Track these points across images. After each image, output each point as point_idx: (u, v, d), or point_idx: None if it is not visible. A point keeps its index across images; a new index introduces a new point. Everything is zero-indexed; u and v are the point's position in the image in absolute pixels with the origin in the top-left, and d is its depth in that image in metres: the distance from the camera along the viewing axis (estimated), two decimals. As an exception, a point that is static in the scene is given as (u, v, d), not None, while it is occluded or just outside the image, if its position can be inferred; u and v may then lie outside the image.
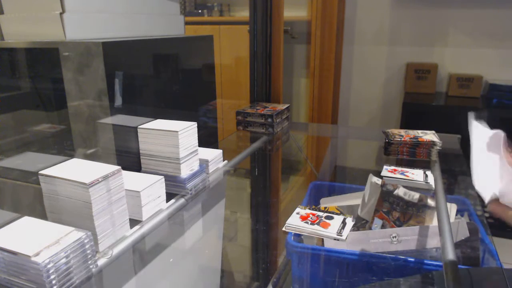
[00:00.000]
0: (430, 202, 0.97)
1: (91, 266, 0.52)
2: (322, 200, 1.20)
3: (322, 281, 0.90)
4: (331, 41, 2.18)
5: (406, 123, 2.19)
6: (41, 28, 0.80)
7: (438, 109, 2.17)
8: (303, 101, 2.61)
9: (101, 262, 0.55)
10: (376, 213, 0.99)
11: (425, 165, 1.06)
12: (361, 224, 1.03)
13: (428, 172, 1.01)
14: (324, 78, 2.25)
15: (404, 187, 0.98)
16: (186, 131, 0.75)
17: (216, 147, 0.92)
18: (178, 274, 0.82)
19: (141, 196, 0.65)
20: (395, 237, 0.88)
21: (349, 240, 0.88)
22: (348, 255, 0.86)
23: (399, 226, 0.96)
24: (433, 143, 1.09)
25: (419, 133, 1.17)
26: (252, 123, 1.33)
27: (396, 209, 0.99)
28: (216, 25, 2.40)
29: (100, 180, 0.55)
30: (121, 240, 0.61)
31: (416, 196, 0.98)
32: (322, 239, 0.93)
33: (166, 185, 0.73)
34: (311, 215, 0.80)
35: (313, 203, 1.20)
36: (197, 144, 0.79)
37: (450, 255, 0.65)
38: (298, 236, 0.95)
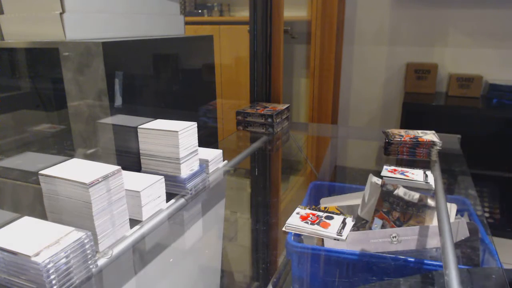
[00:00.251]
0: (430, 202, 0.97)
1: (91, 266, 0.52)
2: (322, 200, 1.20)
3: (322, 281, 0.90)
4: (331, 41, 2.18)
5: (406, 123, 2.19)
6: (41, 28, 0.80)
7: (438, 109, 2.17)
8: (303, 101, 2.61)
9: (101, 262, 0.55)
10: (376, 213, 0.99)
11: (425, 165, 1.06)
12: (361, 224, 1.03)
13: (428, 172, 1.01)
14: (324, 78, 2.25)
15: (404, 187, 0.98)
16: (186, 131, 0.75)
17: (216, 147, 0.92)
18: (178, 274, 0.82)
19: (141, 196, 0.65)
20: (395, 237, 0.88)
21: (349, 240, 0.88)
22: (348, 255, 0.86)
23: (399, 226, 0.96)
24: (433, 143, 1.09)
25: (419, 133, 1.17)
26: (252, 123, 1.33)
27: (396, 209, 0.99)
28: (216, 25, 2.40)
29: (100, 180, 0.55)
30: (121, 240, 0.61)
31: (416, 196, 0.98)
32: (322, 239, 0.93)
33: (166, 185, 0.73)
34: (311, 215, 0.80)
35: (313, 203, 1.20)
36: (197, 144, 0.79)
37: (450, 255, 0.65)
38: (298, 236, 0.95)
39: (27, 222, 0.52)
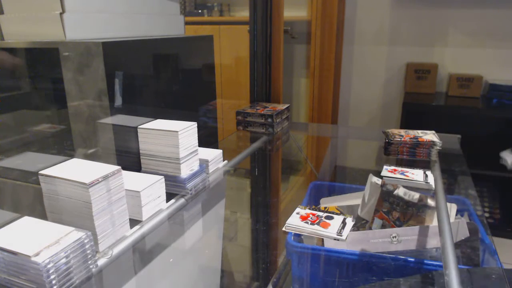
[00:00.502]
0: (430, 202, 0.97)
1: (91, 266, 0.52)
2: (322, 200, 1.20)
3: (322, 281, 0.90)
4: (331, 41, 2.18)
5: (406, 123, 2.19)
6: (41, 28, 0.80)
7: (438, 109, 2.17)
8: (303, 101, 2.61)
9: (101, 262, 0.55)
10: (376, 213, 0.99)
11: (425, 165, 1.06)
12: (361, 224, 1.03)
13: (428, 172, 1.01)
14: (324, 78, 2.25)
15: (404, 187, 0.98)
16: (186, 131, 0.75)
17: (216, 147, 0.92)
18: (178, 274, 0.82)
19: (141, 196, 0.65)
20: (395, 237, 0.88)
21: (349, 240, 0.88)
22: (348, 255, 0.86)
23: (399, 226, 0.96)
24: (433, 143, 1.09)
25: (419, 133, 1.17)
26: (252, 123, 1.33)
27: (396, 209, 0.99)
28: (216, 25, 2.40)
29: (100, 180, 0.55)
30: (121, 240, 0.61)
31: (416, 196, 0.98)
32: (322, 239, 0.93)
33: (166, 185, 0.73)
34: (311, 215, 0.80)
35: (313, 203, 1.20)
36: (197, 144, 0.79)
37: (450, 255, 0.65)
38: (298, 236, 0.95)
39: (27, 222, 0.52)
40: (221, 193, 0.97)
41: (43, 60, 0.84)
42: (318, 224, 0.77)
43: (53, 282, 0.46)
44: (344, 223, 0.77)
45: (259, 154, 1.31)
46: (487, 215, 2.23)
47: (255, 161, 1.34)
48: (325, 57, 2.22)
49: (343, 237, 0.73)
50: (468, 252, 0.87)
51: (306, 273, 0.91)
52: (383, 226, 0.97)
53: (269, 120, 1.30)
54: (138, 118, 0.81)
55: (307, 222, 0.77)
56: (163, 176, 0.71)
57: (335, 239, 0.74)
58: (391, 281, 0.81)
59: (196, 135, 0.78)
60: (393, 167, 1.03)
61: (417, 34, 2.36)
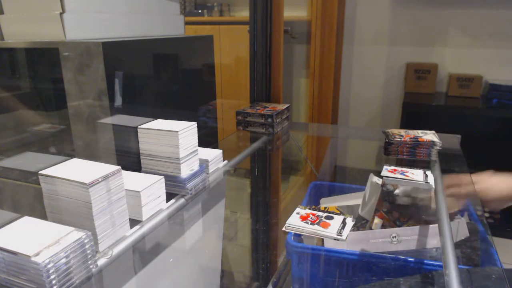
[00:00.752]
0: (430, 202, 0.97)
1: (91, 266, 0.52)
2: (322, 200, 1.20)
3: (322, 281, 0.90)
4: (331, 41, 2.19)
5: (406, 123, 2.19)
6: (41, 28, 0.80)
7: (438, 109, 2.17)
8: (303, 101, 2.61)
9: (101, 262, 0.55)
10: (376, 213, 0.99)
11: (425, 165, 1.06)
12: (361, 224, 1.03)
13: (428, 172, 1.01)
14: (324, 78, 2.25)
15: (404, 187, 0.98)
16: (186, 131, 0.75)
17: (216, 147, 0.92)
18: (178, 274, 0.82)
19: (141, 196, 0.65)
20: (395, 237, 0.88)
21: (349, 240, 0.88)
22: (348, 255, 0.86)
23: (399, 226, 0.96)
24: (433, 143, 1.09)
25: (419, 133, 1.17)
26: (252, 123, 1.33)
27: (396, 209, 0.99)
28: (216, 25, 2.40)
29: (100, 180, 0.55)
30: (121, 240, 0.61)
31: (416, 196, 0.98)
32: (322, 239, 0.93)
33: (166, 185, 0.73)
34: (311, 215, 0.80)
35: (313, 203, 1.20)
36: (197, 144, 0.79)
37: (450, 255, 0.65)
38: (298, 236, 0.95)
39: (27, 222, 0.52)
40: (221, 193, 0.97)
41: (43, 60, 0.84)
42: (318, 224, 0.77)
43: (53, 282, 0.46)
44: (344, 223, 0.77)
45: (259, 154, 1.31)
46: (487, 215, 2.23)
47: (255, 161, 1.34)
48: (325, 57, 2.22)
49: (343, 237, 0.73)
50: (468, 252, 0.87)
51: (306, 273, 0.91)
52: (383, 226, 0.97)
53: (269, 120, 1.30)
54: (138, 118, 0.81)
55: (307, 222, 0.77)
56: (163, 176, 0.71)
57: (335, 239, 0.74)
58: (391, 281, 0.81)
59: (196, 135, 0.78)
60: (393, 167, 1.03)
61: (417, 34, 2.36)
